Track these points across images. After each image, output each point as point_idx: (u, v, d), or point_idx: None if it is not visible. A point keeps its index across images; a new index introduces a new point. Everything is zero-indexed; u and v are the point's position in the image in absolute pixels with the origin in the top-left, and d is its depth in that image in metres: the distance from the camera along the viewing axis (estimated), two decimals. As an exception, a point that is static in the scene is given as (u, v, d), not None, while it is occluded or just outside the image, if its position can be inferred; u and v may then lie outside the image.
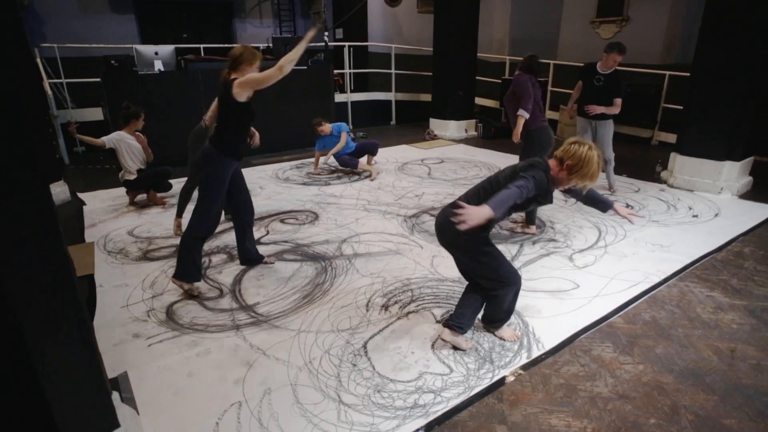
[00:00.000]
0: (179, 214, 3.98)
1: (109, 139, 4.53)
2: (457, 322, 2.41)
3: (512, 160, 6.51)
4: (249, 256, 3.35)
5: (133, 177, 4.61)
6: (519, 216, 3.99)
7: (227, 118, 2.89)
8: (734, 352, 2.43)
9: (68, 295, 1.52)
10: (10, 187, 1.35)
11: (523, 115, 3.79)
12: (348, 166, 5.83)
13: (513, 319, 2.72)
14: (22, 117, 1.43)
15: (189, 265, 2.93)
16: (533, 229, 3.93)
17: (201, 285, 3.13)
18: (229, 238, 3.85)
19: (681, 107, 5.56)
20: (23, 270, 1.38)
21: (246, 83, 2.75)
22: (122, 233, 4.05)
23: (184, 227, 3.86)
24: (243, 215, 3.23)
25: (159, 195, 4.80)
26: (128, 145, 4.56)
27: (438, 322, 2.69)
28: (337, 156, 5.76)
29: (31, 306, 1.39)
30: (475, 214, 1.85)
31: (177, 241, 3.83)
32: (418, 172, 5.97)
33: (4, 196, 1.33)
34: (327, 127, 5.68)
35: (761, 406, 2.05)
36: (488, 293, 2.40)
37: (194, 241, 2.94)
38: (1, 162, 1.32)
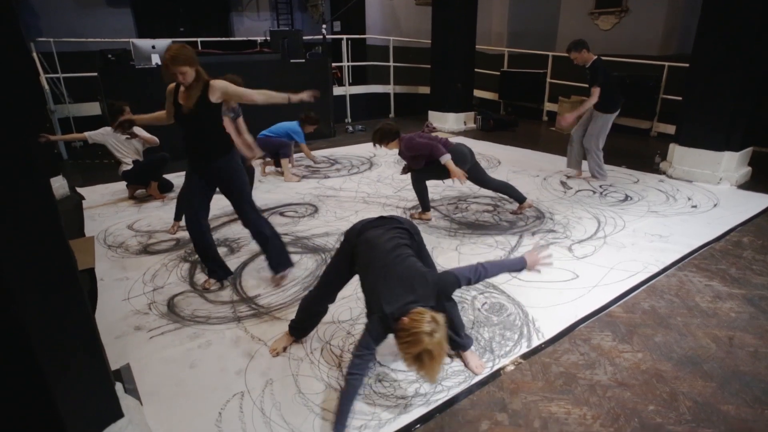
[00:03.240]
0: (177, 218, 3.92)
1: (92, 134, 4.51)
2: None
3: (510, 151, 6.51)
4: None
5: (128, 167, 4.60)
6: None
7: None
8: (732, 339, 2.44)
9: (71, 287, 1.53)
10: (11, 181, 1.35)
11: (447, 160, 3.68)
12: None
13: (512, 309, 2.74)
14: (21, 112, 1.43)
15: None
16: (429, 215, 4.13)
17: (202, 277, 3.13)
18: (230, 231, 3.86)
19: (680, 98, 5.56)
20: (26, 262, 1.38)
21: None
22: (122, 227, 4.05)
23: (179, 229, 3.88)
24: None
25: (162, 194, 4.79)
26: (115, 140, 4.53)
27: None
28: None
29: (35, 298, 1.40)
30: None
31: (176, 235, 3.85)
32: (417, 164, 5.96)
33: (5, 191, 1.33)
34: None
35: (758, 392, 2.07)
36: None
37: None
38: (2, 157, 1.32)
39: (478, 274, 1.92)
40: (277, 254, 3.04)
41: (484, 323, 2.59)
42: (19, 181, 1.36)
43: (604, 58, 4.70)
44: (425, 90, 9.10)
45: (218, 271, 3.04)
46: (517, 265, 2.01)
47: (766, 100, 5.16)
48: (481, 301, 2.81)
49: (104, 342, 1.98)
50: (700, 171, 5.01)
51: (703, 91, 4.87)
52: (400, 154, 4.03)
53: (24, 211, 1.38)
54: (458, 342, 2.23)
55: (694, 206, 4.35)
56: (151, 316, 2.71)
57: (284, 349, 2.37)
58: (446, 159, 3.68)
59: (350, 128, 8.32)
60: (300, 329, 2.40)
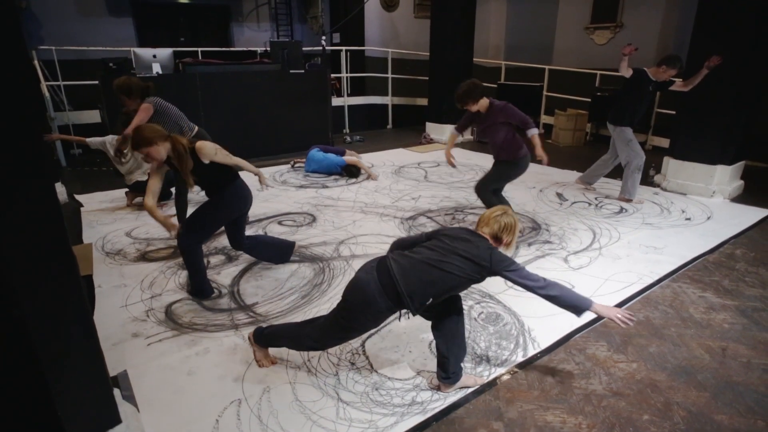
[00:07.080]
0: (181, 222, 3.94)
1: (96, 141, 4.51)
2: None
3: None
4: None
5: (144, 178, 4.59)
6: None
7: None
8: (725, 350, 2.47)
9: (72, 292, 1.55)
10: (17, 186, 1.37)
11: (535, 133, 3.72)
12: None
13: (508, 318, 2.76)
14: (28, 118, 1.46)
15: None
16: None
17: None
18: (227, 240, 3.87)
19: (674, 112, 5.65)
20: (29, 266, 1.40)
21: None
22: (120, 234, 4.06)
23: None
24: None
25: (160, 203, 4.79)
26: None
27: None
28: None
29: (37, 302, 1.42)
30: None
31: (174, 242, 3.85)
32: (415, 175, 6.01)
33: (12, 195, 1.35)
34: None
35: (751, 402, 2.10)
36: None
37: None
38: (10, 162, 1.35)
39: (531, 278, 1.96)
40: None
41: (481, 332, 2.61)
42: (25, 185, 1.39)
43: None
44: (423, 101, 9.19)
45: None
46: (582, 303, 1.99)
47: (758, 115, 5.25)
48: (478, 310, 2.83)
49: (102, 348, 1.99)
50: (694, 184, 5.07)
51: (696, 106, 4.95)
52: (478, 115, 3.85)
53: (29, 215, 1.40)
54: (448, 375, 2.13)
55: (688, 219, 4.40)
56: (148, 323, 2.72)
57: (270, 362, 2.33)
58: (535, 132, 3.67)
59: (348, 138, 8.38)
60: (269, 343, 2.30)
